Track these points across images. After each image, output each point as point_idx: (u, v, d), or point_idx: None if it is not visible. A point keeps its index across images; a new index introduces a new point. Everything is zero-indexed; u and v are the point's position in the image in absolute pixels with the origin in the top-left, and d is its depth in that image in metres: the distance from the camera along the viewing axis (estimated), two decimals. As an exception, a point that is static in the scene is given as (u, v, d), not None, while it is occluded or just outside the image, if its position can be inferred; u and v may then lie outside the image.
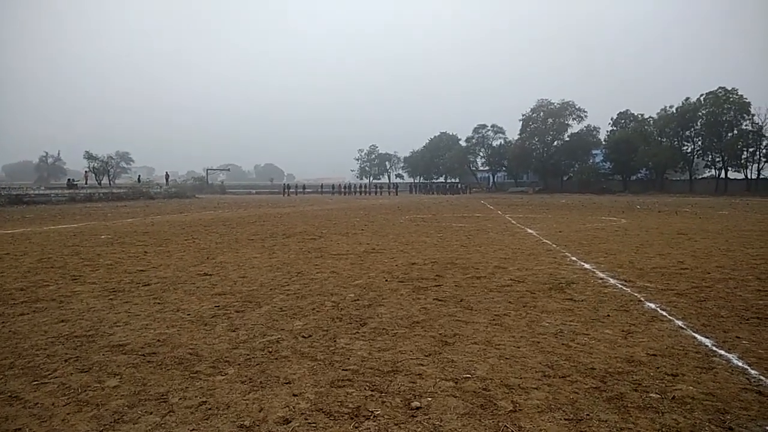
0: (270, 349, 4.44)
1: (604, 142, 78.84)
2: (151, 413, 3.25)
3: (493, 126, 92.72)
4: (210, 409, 3.30)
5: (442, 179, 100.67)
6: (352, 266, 8.77)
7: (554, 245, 11.62)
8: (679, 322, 5.26)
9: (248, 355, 4.30)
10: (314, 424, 3.10)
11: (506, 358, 4.22)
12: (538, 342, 4.65)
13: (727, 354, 4.31)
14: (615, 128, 77.75)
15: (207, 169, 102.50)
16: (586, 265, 8.77)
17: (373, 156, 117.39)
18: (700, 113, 68.38)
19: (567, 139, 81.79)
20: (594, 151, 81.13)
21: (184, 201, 45.03)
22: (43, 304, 6.07)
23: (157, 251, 10.66)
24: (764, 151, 65.49)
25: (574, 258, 9.62)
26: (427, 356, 4.27)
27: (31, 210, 28.09)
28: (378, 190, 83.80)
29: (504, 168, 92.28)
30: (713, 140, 68.10)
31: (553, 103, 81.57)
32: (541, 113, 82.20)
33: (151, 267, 8.70)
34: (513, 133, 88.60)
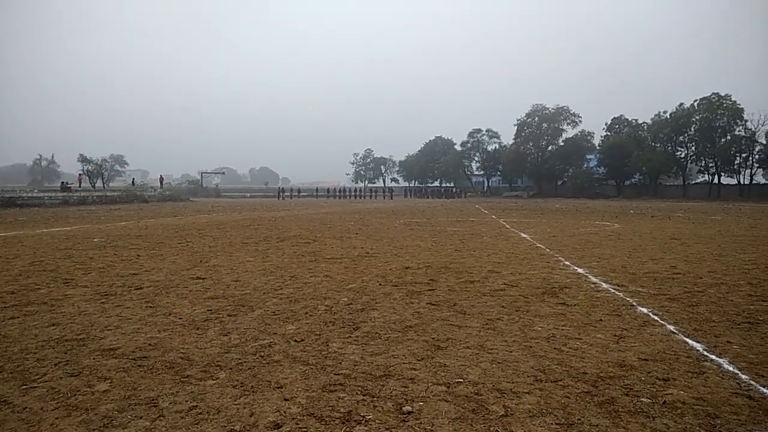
0: (262, 354, 4.42)
1: (598, 147, 79.17)
2: (141, 418, 3.23)
3: (488, 131, 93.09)
4: (200, 413, 3.29)
5: (437, 183, 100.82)
6: (346, 270, 8.76)
7: (548, 250, 11.64)
8: (671, 327, 5.27)
9: (240, 359, 4.28)
10: (305, 429, 3.09)
11: (498, 363, 4.22)
12: (531, 346, 4.65)
13: (718, 359, 4.33)
14: (609, 133, 78.13)
15: (201, 173, 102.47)
16: (579, 270, 8.79)
17: (369, 160, 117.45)
18: (693, 119, 68.90)
19: (561, 143, 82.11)
20: (588, 156, 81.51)
21: (178, 204, 44.89)
22: (33, 308, 6.03)
23: (150, 255, 10.62)
24: (757, 156, 66.00)
25: (567, 262, 9.64)
26: (419, 361, 4.27)
27: (23, 213, 27.93)
28: (373, 194, 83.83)
29: (499, 172, 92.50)
30: (707, 146, 68.57)
31: (548, 108, 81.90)
32: (536, 118, 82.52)
33: (144, 270, 8.66)
34: (508, 138, 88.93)
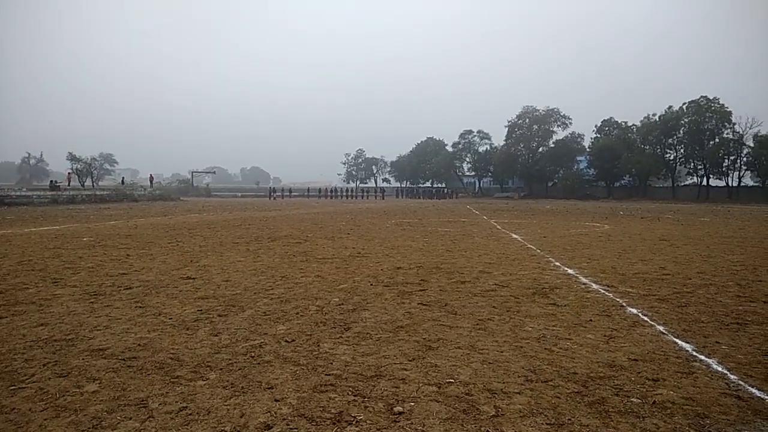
0: (252, 354, 4.40)
1: (588, 149, 79.66)
2: (131, 419, 3.20)
3: (479, 132, 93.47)
4: (190, 414, 3.27)
5: (428, 184, 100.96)
6: (337, 270, 8.75)
7: (538, 250, 11.69)
8: (661, 327, 5.31)
9: (230, 359, 4.26)
10: (296, 430, 3.08)
11: (489, 363, 4.23)
12: (521, 347, 4.66)
13: (707, 359, 4.37)
14: (599, 135, 78.63)
15: (192, 172, 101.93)
16: (570, 271, 8.83)
17: (360, 160, 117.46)
18: (682, 121, 69.53)
19: (552, 145, 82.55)
20: (578, 158, 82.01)
21: (169, 204, 44.63)
22: (22, 308, 5.97)
23: (140, 254, 10.55)
24: (745, 159, 66.70)
25: (557, 263, 9.69)
26: (410, 361, 4.27)
27: (12, 212, 27.66)
28: (365, 194, 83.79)
29: (490, 173, 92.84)
30: (695, 148, 69.21)
31: (539, 110, 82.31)
32: (527, 120, 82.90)
33: (134, 270, 8.60)
34: (499, 139, 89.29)
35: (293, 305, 6.18)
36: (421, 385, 3.76)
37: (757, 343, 4.81)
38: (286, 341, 4.77)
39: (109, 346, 4.60)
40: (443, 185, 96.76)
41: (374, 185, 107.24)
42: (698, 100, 68.30)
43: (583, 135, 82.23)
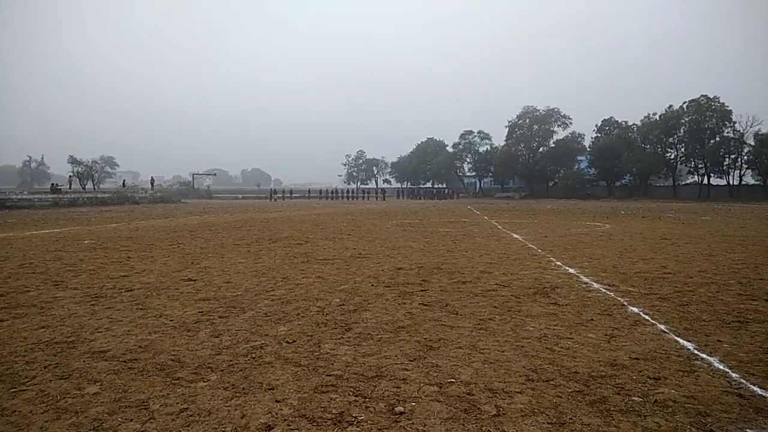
0: (253, 355, 4.40)
1: (588, 149, 79.64)
2: (132, 420, 3.20)
3: (479, 132, 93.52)
4: (191, 415, 3.27)
5: (429, 184, 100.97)
6: (338, 271, 8.75)
7: (539, 250, 11.68)
8: (662, 326, 5.30)
9: (231, 361, 4.26)
10: (297, 431, 3.08)
11: (490, 363, 4.22)
12: (522, 346, 4.66)
13: (708, 357, 4.36)
14: (599, 135, 78.59)
15: (193, 174, 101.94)
16: (571, 270, 8.83)
17: (361, 161, 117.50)
18: (682, 120, 69.48)
19: (552, 145, 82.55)
20: (579, 158, 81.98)
21: (170, 206, 44.66)
22: (23, 310, 5.98)
23: (141, 256, 10.56)
24: (746, 157, 66.63)
25: (558, 263, 9.68)
26: (411, 361, 4.27)
27: (13, 215, 27.68)
28: (365, 195, 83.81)
29: (490, 174, 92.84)
30: (696, 147, 69.15)
31: (539, 110, 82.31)
32: (527, 120, 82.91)
33: (135, 272, 8.61)
34: (499, 139, 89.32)
35: (294, 306, 6.18)
36: (422, 385, 3.76)
37: (759, 341, 4.80)
38: (287, 342, 4.77)
39: (110, 348, 4.60)
40: (444, 186, 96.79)
41: (375, 186, 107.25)
42: (698, 99, 68.25)
43: (584, 135, 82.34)
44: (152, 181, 72.66)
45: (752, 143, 65.30)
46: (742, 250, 11.89)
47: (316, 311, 5.95)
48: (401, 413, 3.29)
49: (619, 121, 78.14)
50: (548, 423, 3.16)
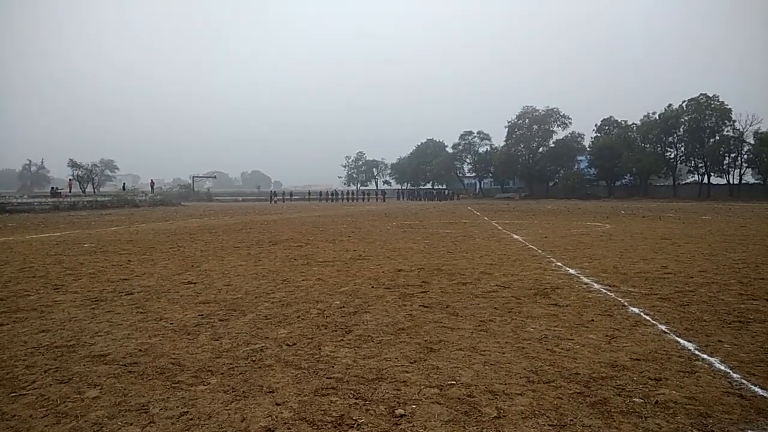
0: (253, 358, 4.40)
1: (588, 149, 79.68)
2: (132, 424, 3.20)
3: (479, 133, 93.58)
4: (191, 419, 3.26)
5: (429, 186, 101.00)
6: (339, 273, 8.74)
7: (540, 251, 11.68)
8: (663, 327, 5.30)
9: (231, 364, 4.26)
10: (297, 434, 3.07)
11: (491, 364, 4.22)
12: (523, 347, 4.65)
13: (709, 358, 4.35)
14: (599, 135, 78.66)
15: (193, 177, 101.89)
16: (571, 271, 8.82)
17: (361, 163, 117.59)
18: (682, 119, 69.55)
19: (552, 145, 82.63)
20: (579, 158, 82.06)
21: (170, 209, 44.68)
22: (23, 314, 5.97)
23: (141, 260, 10.55)
24: (746, 156, 66.65)
25: (559, 263, 9.67)
26: (412, 363, 4.26)
27: (13, 219, 27.70)
28: (365, 196, 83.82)
29: (490, 174, 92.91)
30: (696, 146, 69.21)
31: (538, 110, 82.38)
32: (527, 120, 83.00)
33: (135, 276, 8.60)
34: (499, 140, 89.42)
35: (294, 309, 6.18)
36: (422, 387, 3.75)
37: (760, 341, 4.79)
38: (287, 345, 4.76)
39: (111, 351, 4.60)
40: (444, 187, 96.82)
41: (375, 188, 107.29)
42: (698, 97, 68.31)
43: (584, 134, 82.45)
44: (152, 184, 72.71)
45: (752, 142, 65.35)
46: (742, 249, 11.88)
47: (317, 314, 5.94)
48: (402, 416, 3.28)
49: (619, 120, 78.30)
50: (549, 425, 3.16)
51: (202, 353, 4.54)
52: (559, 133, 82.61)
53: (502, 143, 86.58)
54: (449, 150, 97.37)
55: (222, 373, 4.04)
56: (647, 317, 5.68)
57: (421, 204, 59.05)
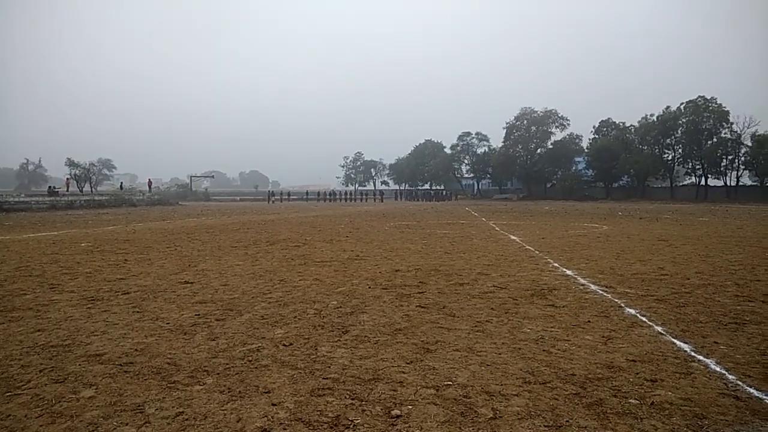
0: (250, 358, 4.39)
1: (586, 150, 79.81)
2: (127, 424, 3.19)
3: (477, 134, 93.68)
4: (187, 419, 3.25)
5: (427, 186, 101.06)
6: (336, 273, 8.74)
7: (537, 252, 11.69)
8: (659, 328, 5.30)
9: (227, 364, 4.25)
10: (293, 434, 3.07)
11: (487, 365, 4.22)
12: (520, 348, 4.65)
13: (705, 359, 4.36)
14: (597, 136, 78.80)
15: (191, 176, 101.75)
16: (568, 272, 8.83)
17: (359, 163, 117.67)
18: (680, 121, 69.69)
19: (550, 146, 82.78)
20: (576, 159, 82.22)
21: (167, 208, 44.62)
22: (19, 314, 5.96)
23: (138, 259, 10.53)
24: (743, 158, 66.82)
25: (556, 264, 9.68)
26: (408, 364, 4.26)
27: (10, 218, 27.62)
28: (363, 197, 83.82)
29: (488, 175, 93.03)
30: (693, 148, 69.35)
31: (537, 111, 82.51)
32: (525, 121, 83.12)
33: (131, 275, 8.59)
34: (497, 141, 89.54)
35: (291, 309, 6.17)
36: (419, 387, 3.75)
37: (756, 343, 4.80)
38: (284, 345, 4.76)
39: (106, 351, 4.59)
40: (442, 187, 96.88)
41: (373, 188, 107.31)
42: (696, 99, 68.45)
43: (582, 136, 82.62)
44: (150, 183, 72.59)
45: (749, 144, 65.48)
46: (739, 251, 11.90)
47: (313, 314, 5.94)
48: (398, 416, 3.28)
49: (617, 122, 78.41)
50: (545, 426, 3.16)
51: (199, 353, 4.53)
52: (557, 135, 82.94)
53: (501, 144, 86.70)
54: (447, 151, 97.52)
55: (218, 373, 4.03)
56: (643, 318, 5.69)
57: (419, 204, 59.06)
